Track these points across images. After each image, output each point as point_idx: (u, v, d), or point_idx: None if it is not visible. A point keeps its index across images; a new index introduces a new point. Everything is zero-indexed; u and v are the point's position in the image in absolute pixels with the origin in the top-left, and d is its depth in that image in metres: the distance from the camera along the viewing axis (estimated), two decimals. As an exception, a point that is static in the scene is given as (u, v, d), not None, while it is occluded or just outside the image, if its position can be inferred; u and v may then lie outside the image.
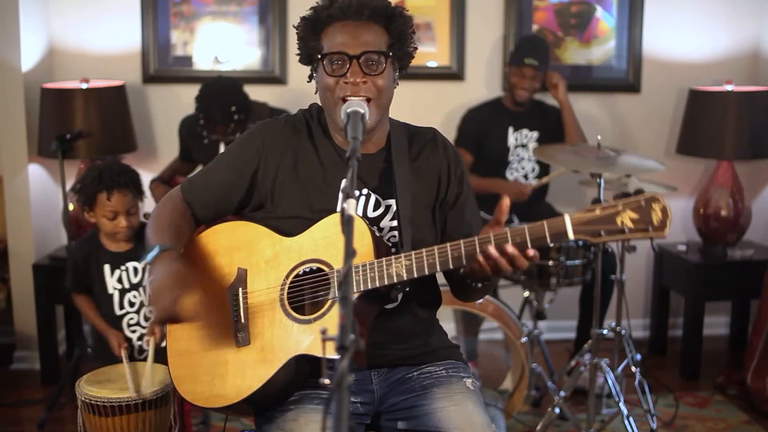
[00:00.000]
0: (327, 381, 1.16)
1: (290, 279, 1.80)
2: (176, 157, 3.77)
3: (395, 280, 1.71)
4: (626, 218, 1.60)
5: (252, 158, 1.88)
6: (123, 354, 2.56)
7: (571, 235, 1.61)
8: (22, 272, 3.74)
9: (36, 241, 3.76)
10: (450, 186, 1.93)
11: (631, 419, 2.94)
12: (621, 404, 2.96)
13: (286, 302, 1.79)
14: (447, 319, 3.64)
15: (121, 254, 2.67)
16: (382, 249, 1.76)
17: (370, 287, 1.71)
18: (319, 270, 1.78)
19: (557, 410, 3.06)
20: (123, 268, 2.66)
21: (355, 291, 1.71)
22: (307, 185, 1.86)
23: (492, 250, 1.64)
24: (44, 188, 3.87)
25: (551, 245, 2.46)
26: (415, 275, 1.71)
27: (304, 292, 1.79)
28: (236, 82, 3.46)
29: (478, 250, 1.65)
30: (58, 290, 3.66)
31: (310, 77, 1.89)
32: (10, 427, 3.33)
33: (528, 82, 3.69)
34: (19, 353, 3.87)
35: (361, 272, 1.71)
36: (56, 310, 3.76)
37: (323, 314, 1.75)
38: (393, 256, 1.72)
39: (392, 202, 1.88)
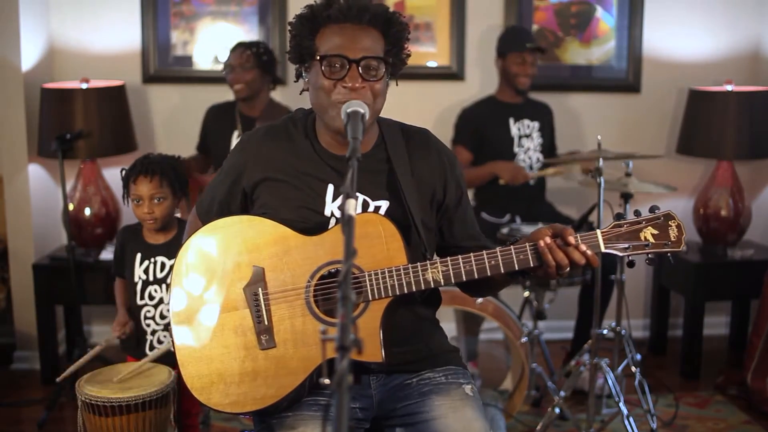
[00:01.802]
0: (327, 381, 1.16)
1: (315, 280, 1.78)
2: (194, 154, 3.83)
3: (432, 286, 1.75)
4: (648, 234, 1.77)
5: (239, 171, 1.90)
6: (115, 335, 2.62)
7: (602, 249, 1.76)
8: (22, 272, 3.74)
9: (36, 241, 3.76)
10: (447, 189, 1.92)
11: (631, 419, 2.94)
12: (621, 404, 2.96)
13: (313, 304, 1.77)
14: (447, 319, 3.63)
15: (153, 246, 2.67)
16: (413, 251, 1.78)
17: (406, 292, 1.74)
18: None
19: (557, 410, 3.06)
20: (152, 260, 2.65)
21: (390, 295, 1.74)
22: (288, 190, 1.86)
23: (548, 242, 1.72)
24: (44, 188, 3.87)
25: None
26: (452, 282, 1.75)
27: (333, 295, 1.77)
28: None
29: (515, 260, 1.74)
30: (58, 290, 3.67)
31: (298, 76, 1.88)
32: (10, 427, 3.33)
33: (530, 68, 3.70)
34: (19, 353, 3.87)
35: (395, 276, 1.73)
36: (56, 310, 3.77)
37: (356, 318, 1.74)
38: (428, 262, 1.75)
39: (381, 203, 1.87)
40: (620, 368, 3.22)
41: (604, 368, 3.00)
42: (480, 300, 3.18)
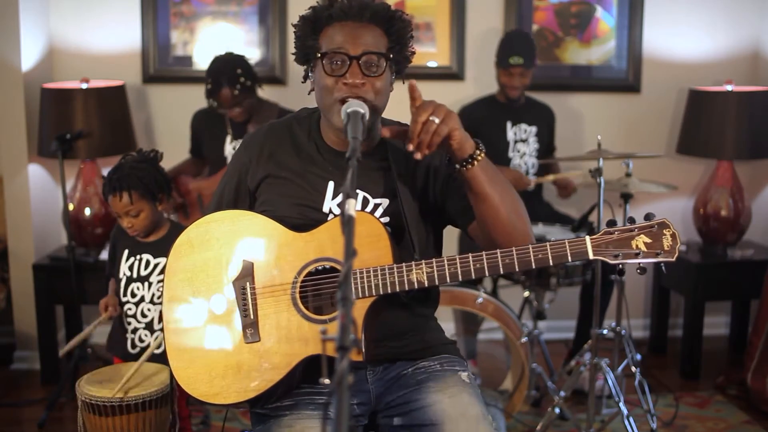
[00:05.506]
0: (327, 381, 1.16)
1: (302, 276, 1.78)
2: (187, 158, 3.80)
3: (416, 287, 1.74)
4: (640, 242, 1.73)
5: (243, 171, 1.92)
6: (103, 315, 2.61)
7: (591, 256, 1.72)
8: (22, 272, 3.74)
9: (36, 241, 3.76)
10: (436, 182, 1.92)
11: (631, 419, 2.94)
12: (621, 404, 2.96)
13: (298, 300, 1.78)
14: (446, 319, 3.63)
15: (142, 243, 2.67)
16: (399, 251, 1.78)
17: (389, 291, 1.73)
18: (333, 269, 1.78)
19: (557, 410, 3.06)
20: (138, 257, 2.66)
21: (373, 294, 1.73)
22: (289, 187, 1.87)
23: None
24: (44, 188, 3.87)
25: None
26: (436, 283, 1.74)
27: (319, 292, 1.78)
28: (243, 56, 3.57)
29: (500, 264, 1.70)
30: (58, 290, 3.67)
31: (305, 77, 1.90)
32: (10, 427, 3.33)
33: (517, 80, 3.69)
34: (19, 353, 3.87)
35: (380, 276, 1.73)
36: (56, 310, 3.76)
37: (337, 316, 1.74)
38: (413, 262, 1.74)
39: (382, 201, 1.87)
40: (620, 368, 3.23)
41: (604, 368, 3.00)
42: (480, 300, 3.18)
